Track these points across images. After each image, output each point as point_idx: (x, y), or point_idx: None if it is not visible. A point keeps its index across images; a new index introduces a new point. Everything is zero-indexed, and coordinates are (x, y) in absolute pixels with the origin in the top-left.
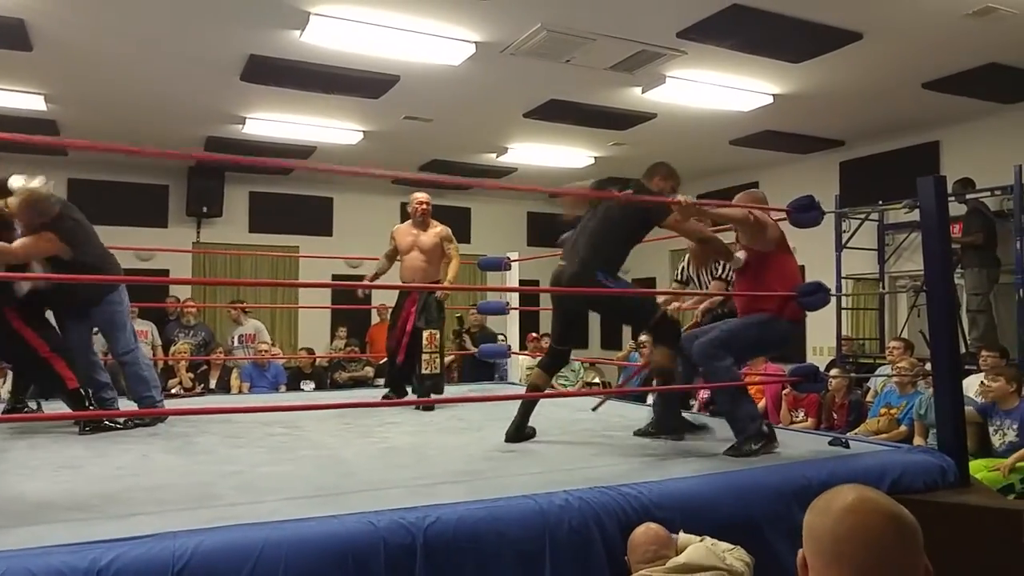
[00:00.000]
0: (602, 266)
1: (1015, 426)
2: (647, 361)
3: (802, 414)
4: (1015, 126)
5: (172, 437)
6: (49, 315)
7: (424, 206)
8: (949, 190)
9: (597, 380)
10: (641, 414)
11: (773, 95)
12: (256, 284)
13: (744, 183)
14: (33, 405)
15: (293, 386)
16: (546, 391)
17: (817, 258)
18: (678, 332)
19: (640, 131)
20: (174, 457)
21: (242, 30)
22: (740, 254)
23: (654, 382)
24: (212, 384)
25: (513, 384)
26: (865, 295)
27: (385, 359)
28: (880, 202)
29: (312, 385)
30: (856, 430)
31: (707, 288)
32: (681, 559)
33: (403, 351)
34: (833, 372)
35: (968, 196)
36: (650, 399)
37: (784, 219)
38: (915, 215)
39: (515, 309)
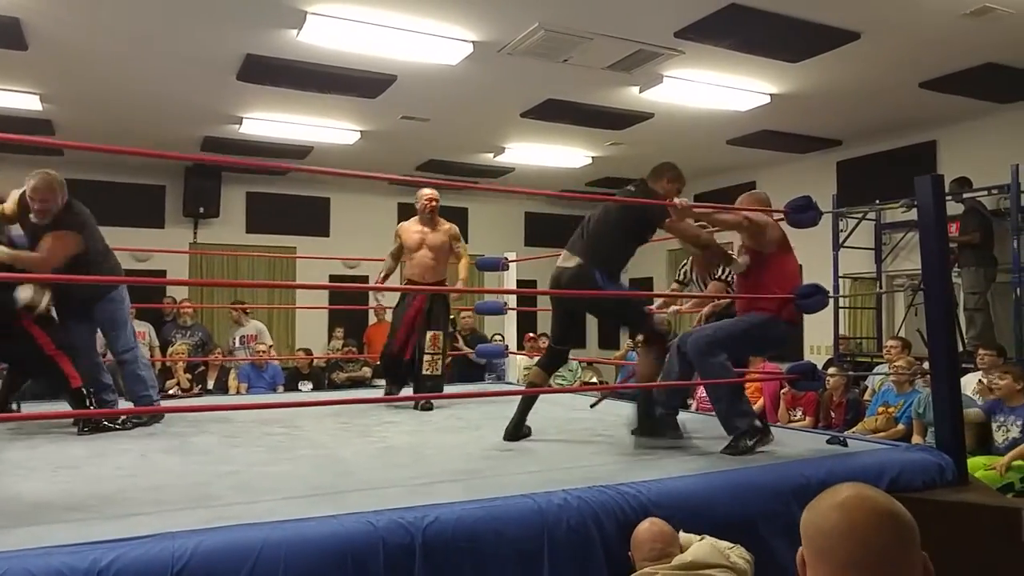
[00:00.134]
0: (600, 266)
1: (1019, 423)
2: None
3: (800, 413)
4: (1012, 125)
5: (170, 437)
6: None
7: (433, 203)
8: (946, 189)
9: (595, 379)
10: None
11: (771, 95)
12: (253, 285)
13: (741, 183)
14: (14, 406)
15: (291, 387)
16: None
17: (814, 257)
18: (666, 350)
19: (638, 131)
20: (172, 457)
21: (238, 29)
22: (743, 259)
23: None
24: (210, 385)
25: (511, 384)
26: (862, 294)
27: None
28: (877, 201)
29: (310, 385)
30: (854, 429)
31: (706, 289)
32: (688, 556)
33: (409, 349)
34: (831, 371)
35: (965, 195)
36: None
37: (782, 219)
38: (912, 214)
39: (513, 309)
